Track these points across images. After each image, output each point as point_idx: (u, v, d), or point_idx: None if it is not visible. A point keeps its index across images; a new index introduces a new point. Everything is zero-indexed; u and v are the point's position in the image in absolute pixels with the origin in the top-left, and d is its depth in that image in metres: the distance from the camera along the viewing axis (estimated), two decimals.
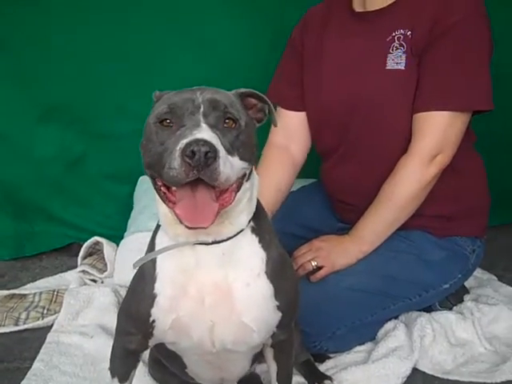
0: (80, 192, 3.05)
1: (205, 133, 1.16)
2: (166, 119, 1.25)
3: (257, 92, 1.39)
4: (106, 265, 2.72)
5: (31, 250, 3.06)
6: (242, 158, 1.24)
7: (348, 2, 2.11)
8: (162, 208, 1.33)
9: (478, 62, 1.89)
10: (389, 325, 2.14)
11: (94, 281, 2.70)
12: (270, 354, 1.60)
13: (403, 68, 1.94)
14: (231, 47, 2.84)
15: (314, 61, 2.14)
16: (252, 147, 1.31)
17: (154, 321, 1.42)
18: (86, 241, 2.86)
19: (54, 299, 2.53)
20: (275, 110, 1.43)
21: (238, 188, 1.28)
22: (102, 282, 2.67)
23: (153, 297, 1.40)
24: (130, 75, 2.80)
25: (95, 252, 2.87)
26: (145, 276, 1.43)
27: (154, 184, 1.29)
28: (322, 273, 2.02)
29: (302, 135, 2.26)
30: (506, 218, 3.06)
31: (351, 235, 2.04)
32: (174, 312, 1.39)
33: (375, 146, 2.04)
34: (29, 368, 2.07)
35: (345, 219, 2.25)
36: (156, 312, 1.41)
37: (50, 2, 2.72)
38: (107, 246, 2.76)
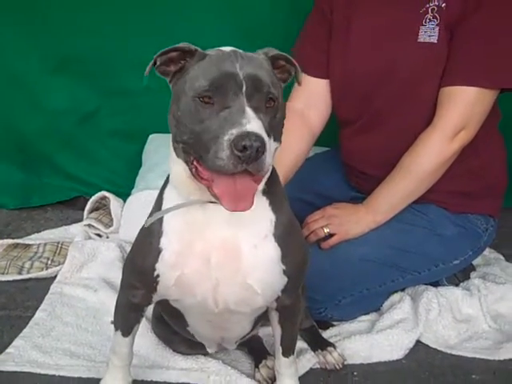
0: (89, 147, 3.03)
1: (254, 123, 1.14)
2: (208, 96, 1.20)
3: (285, 55, 1.35)
4: (111, 220, 2.70)
5: (37, 201, 3.04)
6: (275, 139, 1.24)
7: None
8: (176, 166, 1.32)
9: (511, 40, 1.84)
10: (395, 297, 2.14)
11: (99, 235, 2.69)
12: (274, 317, 1.59)
13: (435, 41, 1.89)
14: (250, 6, 2.77)
15: (342, 28, 2.07)
16: (283, 121, 1.30)
17: (158, 275, 1.41)
18: (92, 196, 2.84)
19: (58, 251, 2.52)
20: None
21: None
22: (107, 237, 2.66)
23: (158, 251, 1.39)
24: (147, 32, 2.74)
25: (101, 207, 2.84)
26: (151, 230, 1.41)
27: (186, 157, 1.26)
28: (333, 240, 2.00)
29: (322, 103, 2.20)
30: None
31: (366, 205, 2.02)
32: (179, 268, 1.38)
33: (399, 117, 2.00)
34: (31, 317, 2.08)
35: (359, 189, 2.23)
36: (161, 267, 1.40)
37: None
38: (114, 201, 2.73)
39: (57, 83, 2.87)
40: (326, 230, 2.01)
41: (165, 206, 1.40)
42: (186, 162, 1.27)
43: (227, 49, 1.27)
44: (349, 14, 2.07)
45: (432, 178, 1.95)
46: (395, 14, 1.96)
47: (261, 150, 1.11)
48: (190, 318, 1.62)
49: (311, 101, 2.19)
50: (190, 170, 1.26)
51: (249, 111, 1.16)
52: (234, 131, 1.12)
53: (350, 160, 2.21)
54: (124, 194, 2.81)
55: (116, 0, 2.75)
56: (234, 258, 1.35)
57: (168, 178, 1.43)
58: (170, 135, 1.30)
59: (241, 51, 1.27)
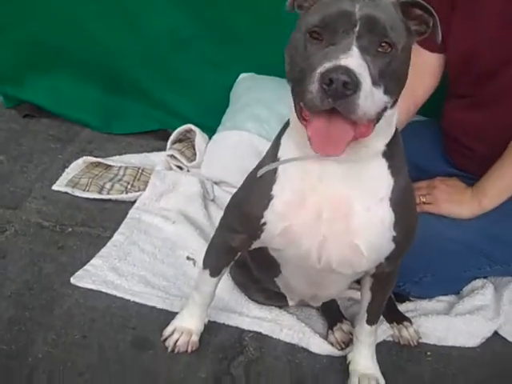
0: (180, 75, 2.94)
1: (352, 59, 1.06)
2: (317, 32, 1.13)
3: (422, 2, 1.23)
4: (194, 154, 2.66)
5: (119, 128, 2.99)
6: (386, 91, 1.13)
7: None
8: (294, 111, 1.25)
9: None
10: (477, 282, 2.05)
11: (180, 168, 2.66)
12: (367, 283, 1.55)
13: None
14: None
15: (469, 4, 1.97)
16: (402, 76, 1.20)
17: (264, 223, 1.37)
18: (175, 129, 2.79)
19: (138, 176, 2.51)
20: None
21: (378, 120, 1.18)
22: (188, 171, 2.63)
23: (269, 198, 1.34)
24: None
25: (185, 139, 2.80)
26: (263, 175, 1.36)
27: (294, 94, 1.20)
28: (426, 207, 1.93)
29: (430, 75, 2.11)
30: None
31: (474, 188, 1.92)
32: (288, 219, 1.33)
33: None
34: (109, 238, 2.10)
35: (460, 166, 2.13)
36: (269, 215, 1.35)
37: None
38: (199, 136, 2.68)
39: (155, 4, 2.78)
40: (423, 199, 1.94)
41: (281, 153, 1.35)
42: (294, 102, 1.21)
43: None
44: None
45: None
46: None
47: (350, 86, 1.03)
48: (286, 269, 1.58)
49: (420, 73, 2.07)
50: (295, 110, 1.20)
51: (354, 49, 1.08)
52: (327, 64, 1.05)
53: (457, 134, 2.11)
54: (209, 129, 2.76)
55: None
56: (346, 216, 1.31)
57: (286, 123, 1.38)
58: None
59: None
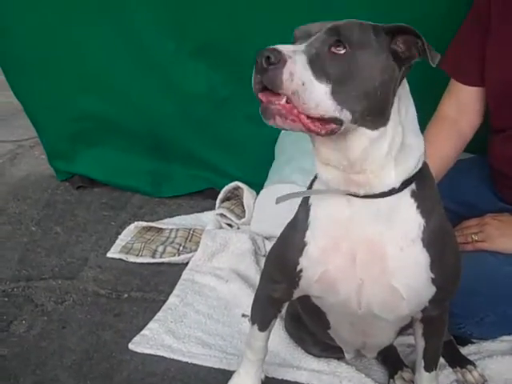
0: (224, 134, 3.00)
1: (286, 46, 1.11)
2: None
3: (404, 25, 1.19)
4: (243, 211, 2.70)
5: (168, 191, 3.06)
6: (334, 93, 1.10)
7: None
8: (314, 150, 1.27)
9: None
10: None
11: (230, 225, 2.69)
12: (419, 329, 1.51)
13: None
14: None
15: (501, 29, 1.96)
16: (359, 85, 1.13)
17: (301, 270, 1.37)
18: (222, 187, 2.84)
19: (189, 237, 2.56)
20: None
21: (332, 123, 1.13)
22: (238, 228, 2.65)
23: (303, 245, 1.35)
24: (281, 19, 2.67)
25: (233, 197, 2.85)
26: (297, 223, 1.38)
27: None
28: (479, 245, 1.89)
29: (474, 110, 2.09)
30: None
31: None
32: (324, 264, 1.33)
33: None
34: (164, 301, 2.12)
35: (508, 199, 2.10)
36: (304, 261, 1.36)
37: None
38: (247, 192, 2.73)
39: (193, 67, 2.86)
40: (475, 237, 1.90)
41: (311, 199, 1.36)
42: None
43: None
44: (507, 18, 1.95)
45: None
46: None
47: (272, 61, 1.07)
48: (332, 318, 1.57)
49: (463, 108, 2.08)
50: None
51: (302, 45, 1.12)
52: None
53: (503, 168, 2.08)
54: (256, 185, 2.79)
55: None
56: (380, 258, 1.29)
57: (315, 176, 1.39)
58: None
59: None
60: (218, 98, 2.92)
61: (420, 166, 1.29)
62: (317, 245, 1.34)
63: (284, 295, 1.51)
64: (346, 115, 1.13)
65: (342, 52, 1.13)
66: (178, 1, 2.72)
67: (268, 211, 2.57)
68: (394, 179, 1.25)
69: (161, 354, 1.84)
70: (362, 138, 1.19)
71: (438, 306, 1.41)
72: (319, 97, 1.10)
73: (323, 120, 1.12)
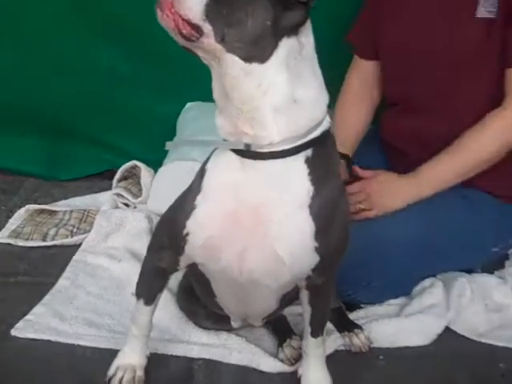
0: (122, 113, 2.93)
1: None
2: None
3: None
4: (140, 190, 2.66)
5: (65, 174, 2.96)
6: (209, 4, 1.13)
7: None
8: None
9: None
10: (426, 281, 2.05)
11: (127, 205, 2.64)
12: (305, 296, 1.52)
13: (494, 16, 1.81)
14: None
15: (394, 6, 2.02)
16: (232, 6, 1.15)
17: (187, 234, 1.37)
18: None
19: (84, 218, 2.49)
20: None
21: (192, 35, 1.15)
22: (135, 207, 2.61)
23: (192, 208, 1.34)
24: None
25: (131, 176, 2.79)
26: (191, 187, 1.39)
27: None
28: (368, 213, 1.92)
29: (376, 85, 2.22)
30: None
31: (414, 176, 1.93)
32: (209, 229, 1.33)
33: (452, 99, 1.93)
34: (53, 284, 2.05)
35: (396, 167, 2.15)
36: (191, 225, 1.35)
37: None
38: (144, 171, 2.68)
39: (90, 46, 2.79)
40: (362, 206, 1.93)
41: (208, 164, 1.37)
42: None
43: None
44: None
45: (491, 161, 1.88)
46: None
47: None
48: (215, 286, 1.57)
49: (367, 80, 2.21)
50: None
51: None
52: None
53: (394, 141, 2.13)
54: (156, 162, 2.74)
55: None
56: (265, 222, 1.29)
57: None
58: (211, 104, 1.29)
59: None
60: (114, 76, 2.86)
61: (318, 133, 1.28)
62: (205, 208, 1.33)
63: (170, 264, 1.50)
64: (206, 27, 1.14)
65: None
66: None
67: (165, 189, 2.53)
68: (276, 131, 1.23)
69: (46, 337, 1.78)
70: (235, 66, 1.18)
71: (322, 274, 1.42)
72: (192, 3, 1.12)
73: (191, 25, 1.14)
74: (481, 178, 1.94)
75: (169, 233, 1.45)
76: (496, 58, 1.84)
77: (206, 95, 1.30)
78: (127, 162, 2.80)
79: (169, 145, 1.40)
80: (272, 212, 1.28)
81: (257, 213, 1.28)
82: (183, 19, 1.14)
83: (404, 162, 2.08)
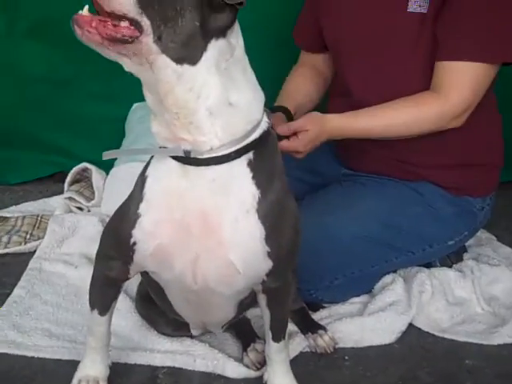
0: (69, 115, 2.89)
1: None
2: None
3: None
4: (93, 193, 2.61)
5: (14, 178, 2.90)
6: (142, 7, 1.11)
7: None
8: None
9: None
10: (387, 278, 2.07)
11: (80, 209, 2.59)
12: (262, 300, 1.50)
13: (425, 11, 1.83)
14: None
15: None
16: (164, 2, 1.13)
17: (135, 243, 1.33)
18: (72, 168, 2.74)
19: (37, 224, 2.44)
20: None
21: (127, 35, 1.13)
22: (89, 211, 2.57)
23: (136, 216, 1.31)
24: None
25: (82, 179, 2.75)
26: (132, 195, 1.36)
27: None
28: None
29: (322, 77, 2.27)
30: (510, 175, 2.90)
31: (338, 128, 1.90)
32: (158, 237, 1.30)
33: (382, 89, 1.94)
34: (9, 294, 1.99)
35: (346, 163, 2.16)
36: (137, 233, 1.32)
37: None
38: (96, 174, 2.64)
39: (29, 48, 2.73)
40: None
41: (148, 170, 1.34)
42: None
43: None
44: None
45: (413, 134, 1.90)
46: None
47: None
48: (171, 295, 1.54)
49: (313, 67, 2.27)
50: None
51: None
52: None
53: None
54: (107, 164, 2.67)
55: None
56: (216, 229, 1.26)
57: None
58: None
59: None
60: (59, 78, 2.82)
61: (257, 135, 1.27)
62: (150, 216, 1.30)
63: (120, 273, 1.46)
64: (145, 21, 1.12)
65: None
66: None
67: (117, 191, 2.48)
68: (215, 136, 1.22)
69: (3, 351, 1.73)
70: (167, 69, 1.16)
71: (277, 278, 1.40)
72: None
73: (129, 21, 1.12)
74: (429, 170, 1.98)
75: (115, 243, 1.41)
76: (429, 50, 1.86)
77: None
78: (78, 163, 2.75)
79: (105, 155, 1.36)
80: (220, 218, 1.26)
81: (205, 219, 1.26)
82: (113, 24, 1.12)
83: (351, 157, 2.14)
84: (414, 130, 1.87)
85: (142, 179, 1.34)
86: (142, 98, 2.76)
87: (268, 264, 1.33)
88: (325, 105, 2.22)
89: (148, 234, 1.30)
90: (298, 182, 2.04)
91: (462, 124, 1.85)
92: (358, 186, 2.06)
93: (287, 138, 1.83)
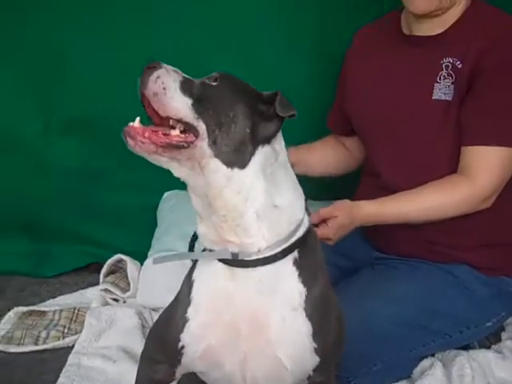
0: (101, 206, 2.94)
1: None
2: None
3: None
4: (128, 284, 2.64)
5: (50, 270, 2.94)
6: (195, 106, 1.19)
7: (398, 24, 2.06)
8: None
9: None
10: (425, 362, 2.05)
11: (116, 300, 2.62)
12: None
13: (450, 99, 1.88)
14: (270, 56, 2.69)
15: (359, 81, 2.11)
16: (220, 117, 1.20)
17: (183, 347, 1.35)
18: (106, 260, 2.76)
19: (74, 318, 2.46)
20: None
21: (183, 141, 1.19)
22: (125, 302, 2.59)
23: (184, 321, 1.33)
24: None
25: (117, 270, 2.78)
26: (179, 298, 1.38)
27: None
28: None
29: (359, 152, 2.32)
30: None
31: (366, 215, 1.92)
32: (206, 339, 1.31)
33: (409, 172, 1.98)
34: None
35: (377, 245, 2.17)
36: (186, 337, 1.34)
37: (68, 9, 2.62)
38: (131, 265, 2.67)
39: (63, 143, 2.82)
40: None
41: (195, 274, 1.36)
42: None
43: None
44: (367, 67, 2.11)
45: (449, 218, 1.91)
46: (410, 70, 1.97)
47: (150, 68, 1.20)
48: None
49: (344, 145, 2.37)
50: None
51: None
52: None
53: None
54: (142, 253, 2.72)
55: (123, 57, 2.65)
56: (264, 329, 1.29)
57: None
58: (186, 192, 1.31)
59: None
60: (90, 170, 2.88)
61: (301, 233, 1.30)
62: (198, 320, 1.32)
63: (166, 376, 1.46)
64: (201, 126, 1.18)
65: (213, 84, 1.22)
66: (41, 80, 2.70)
67: (153, 282, 2.53)
68: (262, 238, 1.25)
69: None
70: (219, 173, 1.21)
71: (323, 373, 1.41)
72: (179, 104, 1.18)
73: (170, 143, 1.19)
74: (460, 251, 1.99)
75: (162, 347, 1.42)
76: (454, 135, 1.89)
77: (183, 184, 1.30)
78: (112, 253, 2.78)
79: (156, 260, 1.39)
80: (269, 318, 1.29)
81: (254, 320, 1.29)
82: (163, 133, 1.19)
83: (382, 239, 2.13)
84: (445, 213, 1.89)
85: (188, 283, 1.36)
86: (172, 187, 2.86)
87: (315, 360, 1.34)
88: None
89: (197, 337, 1.32)
90: (333, 268, 2.06)
91: (490, 205, 1.87)
92: (391, 269, 2.06)
93: (316, 225, 1.86)
